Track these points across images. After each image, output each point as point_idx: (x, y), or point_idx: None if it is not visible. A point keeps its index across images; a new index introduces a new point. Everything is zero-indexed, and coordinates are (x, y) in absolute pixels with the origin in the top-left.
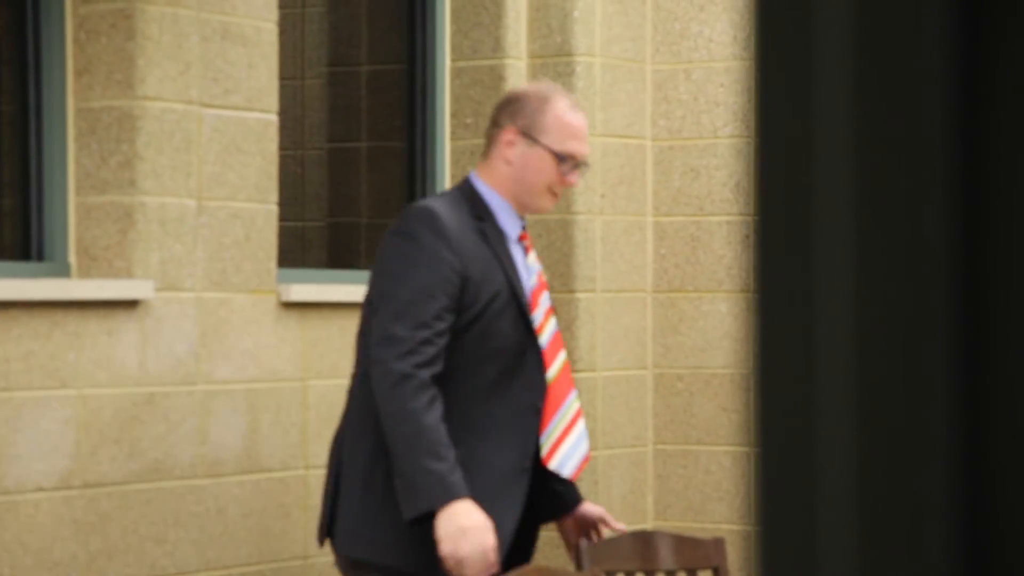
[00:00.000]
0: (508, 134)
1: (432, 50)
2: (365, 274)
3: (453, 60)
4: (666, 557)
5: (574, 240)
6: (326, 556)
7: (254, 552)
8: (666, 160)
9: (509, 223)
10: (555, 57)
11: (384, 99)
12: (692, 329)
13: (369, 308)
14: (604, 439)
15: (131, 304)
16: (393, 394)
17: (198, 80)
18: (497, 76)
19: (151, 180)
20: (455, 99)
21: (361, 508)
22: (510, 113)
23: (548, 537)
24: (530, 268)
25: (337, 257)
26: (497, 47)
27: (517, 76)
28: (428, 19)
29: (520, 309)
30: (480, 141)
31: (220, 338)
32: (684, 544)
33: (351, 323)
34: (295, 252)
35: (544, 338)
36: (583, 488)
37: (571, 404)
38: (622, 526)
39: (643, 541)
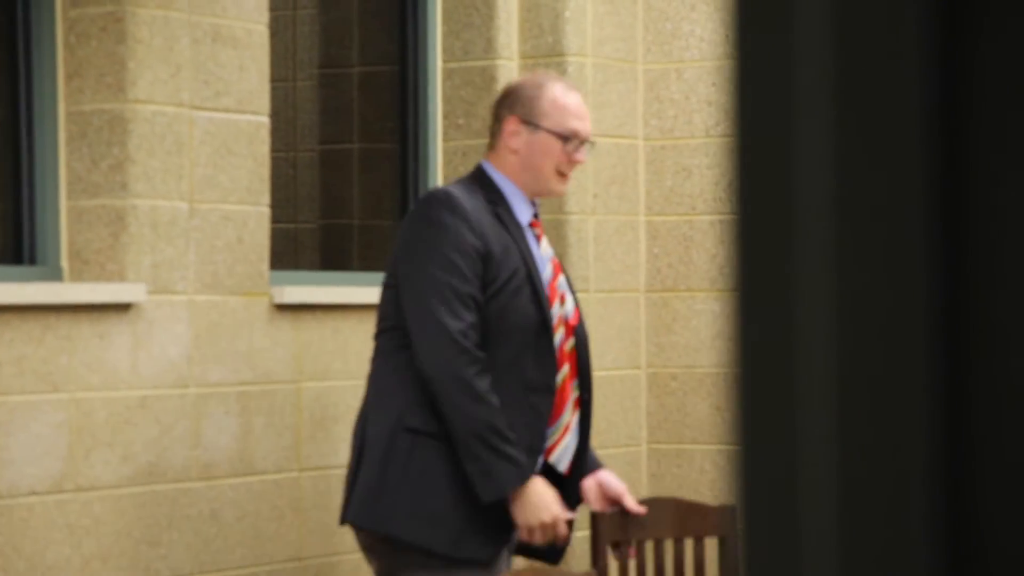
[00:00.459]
0: (510, 124)
1: (423, 51)
2: (358, 276)
3: (444, 61)
4: (673, 525)
5: (567, 240)
6: (322, 558)
7: (248, 554)
8: (658, 160)
9: (521, 209)
10: (547, 57)
11: (376, 100)
12: (685, 328)
13: (390, 291)
14: (598, 438)
15: (123, 307)
16: (463, 378)
17: (189, 83)
18: (489, 77)
19: (142, 183)
20: (447, 100)
21: (379, 483)
22: (509, 105)
23: None
24: (543, 256)
25: (330, 259)
26: (488, 48)
27: (509, 77)
28: (419, 20)
29: (535, 289)
30: (472, 142)
31: (213, 341)
32: (691, 511)
33: (344, 325)
34: (287, 254)
35: (559, 334)
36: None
37: (572, 396)
38: (642, 509)
39: (651, 508)
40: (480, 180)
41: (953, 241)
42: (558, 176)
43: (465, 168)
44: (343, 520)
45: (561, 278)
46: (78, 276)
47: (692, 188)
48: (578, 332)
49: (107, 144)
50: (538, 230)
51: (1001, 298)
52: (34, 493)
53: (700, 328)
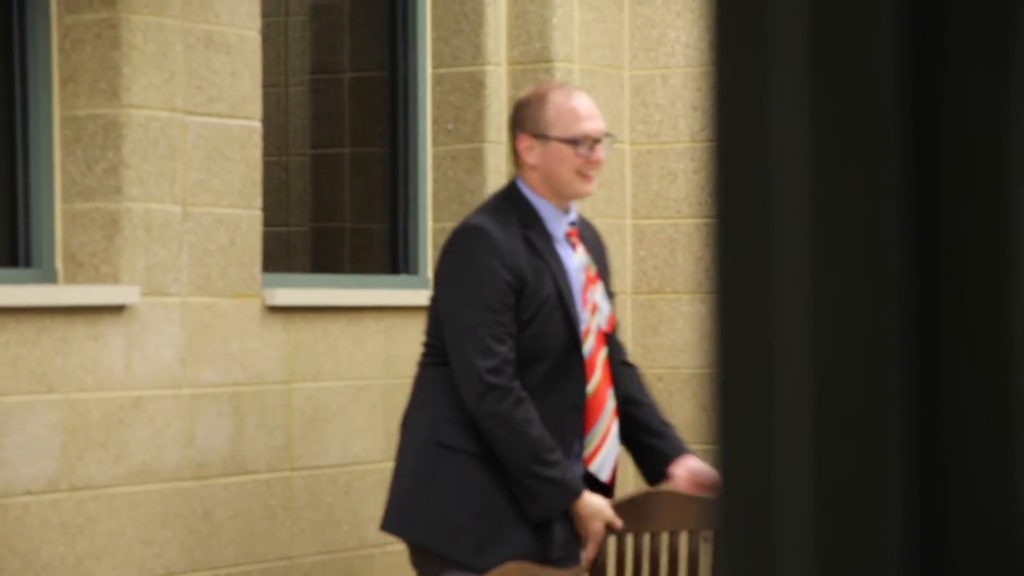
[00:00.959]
0: (523, 142)
1: (413, 57)
2: (349, 278)
3: (434, 67)
4: (670, 518)
5: None
6: (313, 556)
7: (240, 553)
8: (644, 164)
9: (555, 223)
10: (534, 63)
11: (366, 105)
12: (671, 330)
13: (433, 308)
14: None
15: (117, 309)
16: (496, 414)
17: (182, 88)
18: (478, 82)
19: (136, 187)
20: (436, 105)
21: (408, 493)
22: (518, 122)
23: None
24: (577, 265)
25: (321, 262)
26: (477, 54)
27: (497, 82)
28: (409, 27)
29: (566, 309)
30: (462, 146)
31: (206, 342)
32: (687, 505)
33: (335, 326)
34: (280, 257)
35: (589, 343)
36: None
37: (609, 405)
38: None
39: (646, 502)
40: (514, 200)
41: (927, 241)
42: (581, 178)
43: (454, 173)
44: (382, 526)
45: (596, 287)
46: (73, 278)
47: (678, 192)
48: (611, 340)
49: (101, 148)
50: (574, 239)
51: (972, 296)
52: (29, 493)
53: (685, 330)
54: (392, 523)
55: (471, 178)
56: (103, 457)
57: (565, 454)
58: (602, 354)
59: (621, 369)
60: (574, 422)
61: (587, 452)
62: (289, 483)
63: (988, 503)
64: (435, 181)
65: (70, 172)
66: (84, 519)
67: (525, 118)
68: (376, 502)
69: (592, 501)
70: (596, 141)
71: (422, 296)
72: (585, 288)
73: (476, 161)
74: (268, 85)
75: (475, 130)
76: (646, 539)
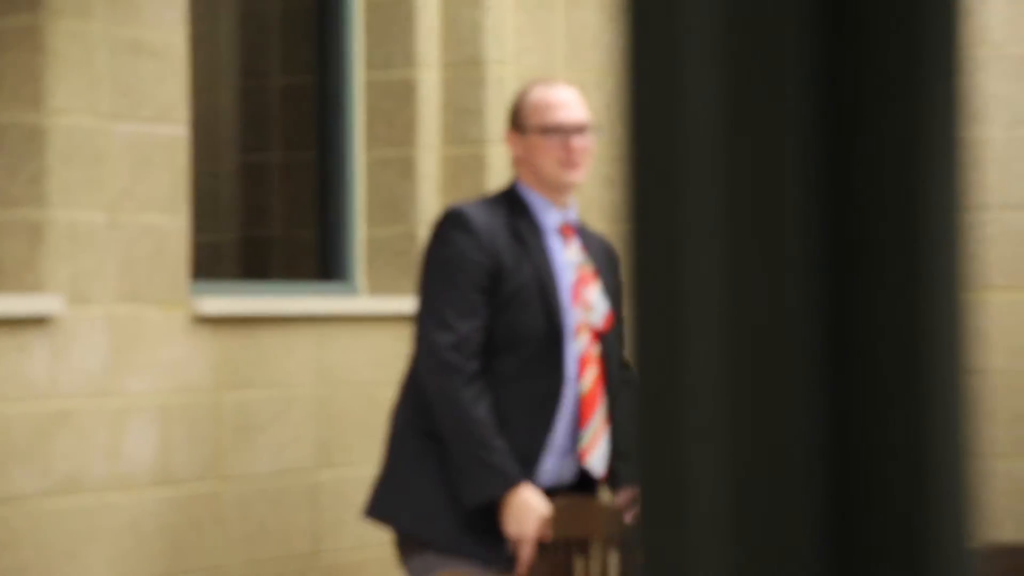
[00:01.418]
0: (509, 139)
1: (344, 62)
2: (279, 286)
3: (365, 72)
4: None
5: None
6: (243, 567)
7: (169, 565)
8: None
9: (545, 215)
10: (467, 67)
11: (296, 111)
12: None
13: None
14: None
15: (41, 319)
16: (445, 390)
17: (108, 94)
18: (410, 87)
19: (61, 195)
20: (368, 110)
21: (387, 480)
22: (507, 123)
23: None
24: (567, 262)
25: (251, 269)
26: (409, 58)
27: (430, 87)
28: (340, 31)
29: (547, 301)
30: (394, 151)
31: (132, 352)
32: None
33: (265, 335)
34: (208, 265)
35: (582, 339)
36: None
37: (603, 403)
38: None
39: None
40: (508, 194)
41: (835, 248)
42: (563, 167)
43: (386, 178)
44: (365, 513)
45: (589, 286)
46: None
47: (615, 196)
48: (607, 339)
49: (25, 156)
50: (567, 235)
51: (881, 300)
52: None
53: None
54: (374, 510)
55: (403, 184)
56: (27, 470)
57: (535, 445)
58: (595, 351)
59: (621, 378)
60: (550, 412)
61: (582, 445)
62: (218, 494)
63: (897, 486)
64: (368, 188)
65: None
66: (8, 533)
67: (510, 117)
68: (307, 512)
69: (528, 496)
70: (572, 130)
71: (353, 304)
72: (577, 284)
73: (408, 167)
74: (196, 91)
75: (407, 135)
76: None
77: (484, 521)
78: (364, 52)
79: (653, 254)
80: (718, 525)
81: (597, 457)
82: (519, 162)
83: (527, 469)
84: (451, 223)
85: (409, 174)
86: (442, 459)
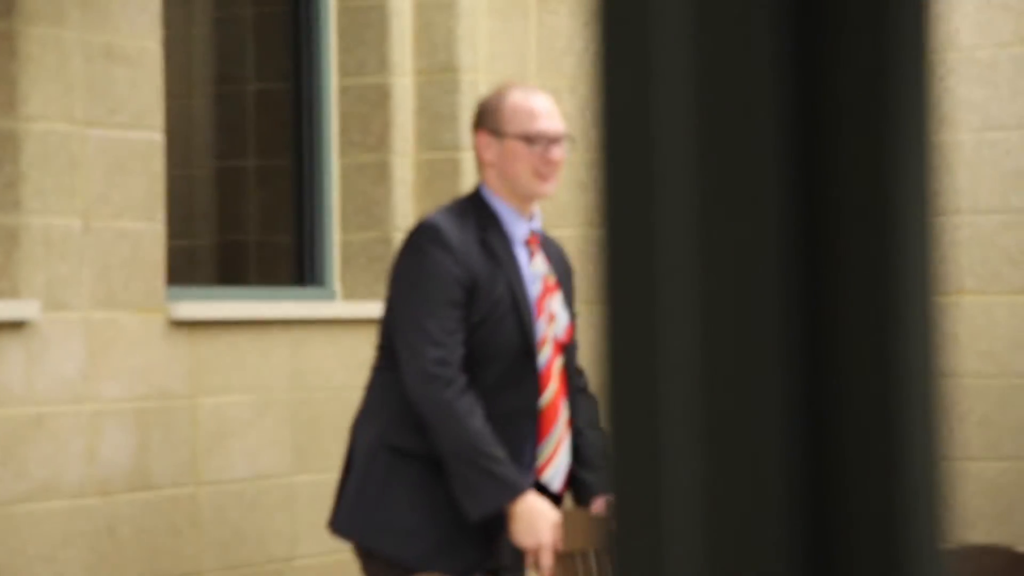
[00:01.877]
0: (481, 139)
1: (318, 68)
2: (254, 291)
3: (339, 77)
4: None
5: None
6: (219, 572)
7: (145, 570)
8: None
9: (514, 226)
10: (440, 74)
11: (271, 117)
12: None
13: (387, 312)
14: None
15: (17, 324)
16: (437, 405)
17: (82, 100)
18: (383, 93)
19: (36, 200)
20: (342, 116)
21: (359, 497)
22: (477, 121)
23: None
24: (534, 274)
25: (226, 275)
26: (383, 64)
27: (403, 93)
28: (314, 37)
29: (520, 315)
30: (368, 157)
31: (108, 357)
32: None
33: (241, 340)
34: (184, 270)
35: (545, 352)
36: None
37: (563, 416)
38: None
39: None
40: (475, 202)
41: (809, 244)
42: (537, 178)
43: (361, 183)
44: (330, 527)
45: (553, 297)
46: None
47: (588, 201)
48: (569, 351)
49: None
50: (533, 247)
51: (854, 302)
52: None
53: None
54: (342, 526)
55: (377, 189)
56: (3, 475)
57: (514, 460)
58: (558, 364)
59: (576, 386)
60: (525, 428)
61: (540, 462)
62: (194, 498)
63: (872, 521)
64: (342, 193)
65: None
66: None
67: (483, 116)
68: (283, 516)
69: (536, 503)
70: (552, 141)
71: (329, 308)
72: (542, 296)
73: (382, 172)
74: (170, 96)
75: (381, 141)
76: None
77: (459, 538)
78: (338, 58)
79: (625, 259)
80: (692, 529)
81: (553, 471)
82: (488, 166)
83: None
84: (427, 237)
85: (384, 179)
86: (416, 477)
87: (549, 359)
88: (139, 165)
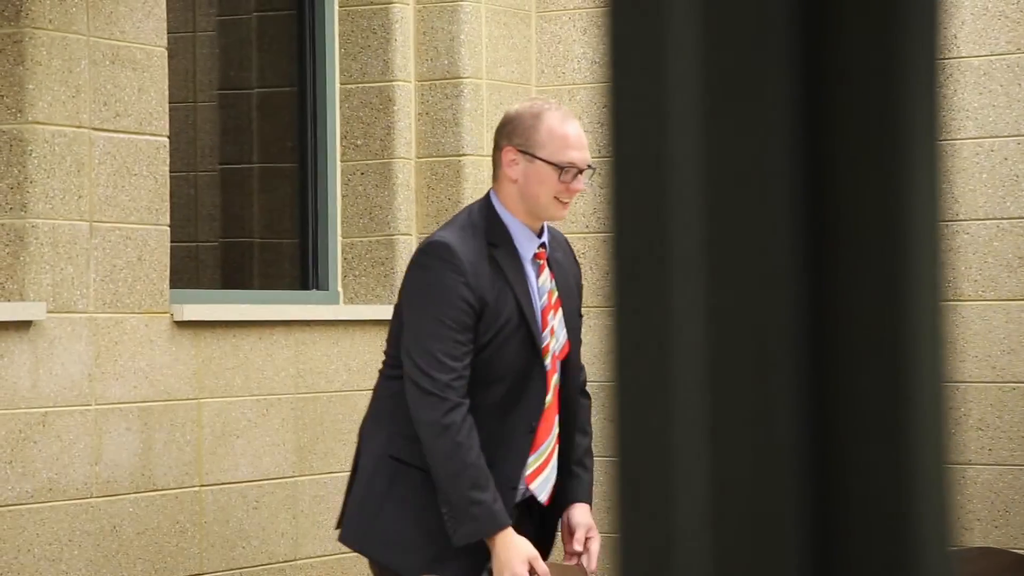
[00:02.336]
0: (509, 154)
1: (322, 73)
2: (258, 293)
3: (342, 82)
4: None
5: None
6: (223, 572)
7: (149, 570)
8: None
9: (525, 243)
10: (442, 79)
11: (275, 121)
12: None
13: (395, 320)
14: None
15: (23, 325)
16: (436, 430)
17: (89, 104)
18: (386, 98)
19: (43, 203)
20: (345, 121)
21: (360, 505)
22: (507, 134)
23: None
24: (541, 288)
25: (230, 277)
26: (385, 70)
27: (405, 98)
28: (317, 43)
29: (529, 333)
30: (370, 161)
31: (113, 358)
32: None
33: (244, 341)
34: (188, 272)
35: (547, 360)
36: None
37: (555, 429)
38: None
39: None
40: (485, 214)
41: (817, 249)
42: (557, 204)
43: (364, 187)
44: (339, 538)
45: (556, 313)
46: None
47: (586, 207)
48: (564, 366)
49: (6, 164)
50: (542, 262)
51: (862, 305)
52: None
53: (594, 343)
54: (347, 536)
55: (380, 193)
56: (9, 474)
57: (512, 476)
58: (554, 380)
59: (573, 397)
60: (523, 443)
61: (529, 471)
62: (198, 499)
63: (880, 524)
64: (344, 197)
65: None
66: None
67: (515, 131)
68: (286, 517)
69: (512, 540)
70: (580, 172)
71: (332, 311)
72: (546, 311)
73: (385, 176)
74: (176, 101)
75: (384, 146)
76: None
77: (459, 551)
78: (341, 63)
79: (635, 261)
80: (699, 530)
81: (542, 481)
82: (508, 181)
83: (509, 494)
84: (438, 256)
85: (386, 184)
86: (415, 487)
87: (548, 372)
88: (145, 168)
